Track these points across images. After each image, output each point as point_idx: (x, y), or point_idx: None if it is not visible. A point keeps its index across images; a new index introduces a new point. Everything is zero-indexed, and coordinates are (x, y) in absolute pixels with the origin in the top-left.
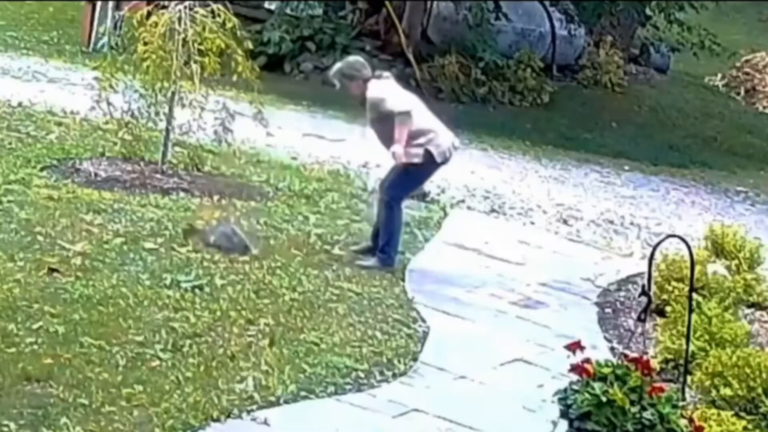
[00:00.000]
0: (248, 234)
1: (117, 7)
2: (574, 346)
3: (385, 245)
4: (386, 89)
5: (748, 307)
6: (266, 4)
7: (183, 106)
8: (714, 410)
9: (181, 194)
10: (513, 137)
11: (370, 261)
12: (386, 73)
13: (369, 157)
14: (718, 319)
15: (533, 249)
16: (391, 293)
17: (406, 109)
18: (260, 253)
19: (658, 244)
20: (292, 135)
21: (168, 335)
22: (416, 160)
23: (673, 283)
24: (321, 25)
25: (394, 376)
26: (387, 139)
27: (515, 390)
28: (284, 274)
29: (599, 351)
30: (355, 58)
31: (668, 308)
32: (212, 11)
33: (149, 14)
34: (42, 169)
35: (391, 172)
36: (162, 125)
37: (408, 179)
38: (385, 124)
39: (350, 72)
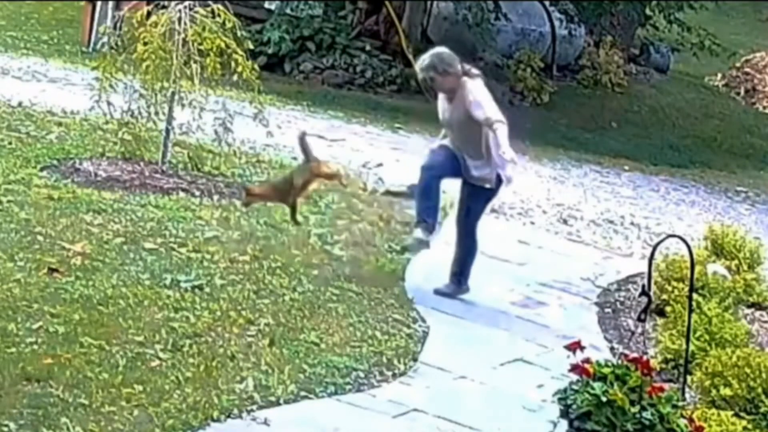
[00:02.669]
0: None
1: (117, 7)
2: (574, 346)
3: (463, 271)
4: (484, 93)
5: (748, 307)
6: (266, 4)
7: (183, 106)
8: (714, 410)
9: (181, 194)
10: (513, 137)
11: (447, 288)
12: (475, 71)
13: (369, 157)
14: (718, 319)
15: (533, 249)
16: (391, 293)
17: (503, 119)
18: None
19: (658, 244)
20: (292, 135)
21: (168, 335)
22: (488, 186)
23: (673, 283)
24: (321, 25)
25: (394, 376)
26: (465, 143)
27: (515, 390)
28: (284, 274)
29: (599, 351)
30: (445, 51)
31: (668, 308)
32: (212, 11)
33: (149, 14)
34: (42, 169)
35: (461, 205)
36: (162, 125)
37: (479, 204)
38: (470, 128)
39: (444, 67)
